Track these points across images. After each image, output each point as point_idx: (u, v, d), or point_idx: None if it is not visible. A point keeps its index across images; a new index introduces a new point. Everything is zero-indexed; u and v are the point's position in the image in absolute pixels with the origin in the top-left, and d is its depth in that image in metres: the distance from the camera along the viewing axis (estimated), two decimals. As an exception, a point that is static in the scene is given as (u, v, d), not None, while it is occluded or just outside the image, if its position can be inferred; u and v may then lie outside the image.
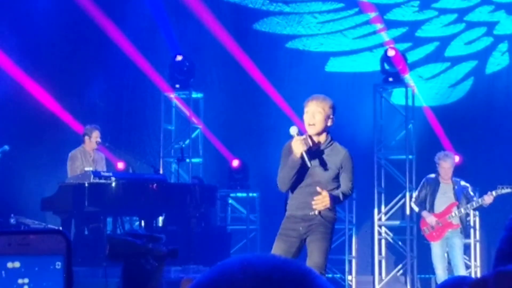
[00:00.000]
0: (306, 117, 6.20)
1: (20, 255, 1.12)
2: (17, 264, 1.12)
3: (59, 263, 1.12)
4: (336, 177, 6.25)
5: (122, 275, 5.24)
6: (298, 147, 6.04)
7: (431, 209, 9.64)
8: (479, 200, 9.56)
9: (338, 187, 6.27)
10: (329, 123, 6.22)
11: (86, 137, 10.81)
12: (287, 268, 1.07)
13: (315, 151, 6.19)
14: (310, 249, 6.22)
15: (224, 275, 1.06)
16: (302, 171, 6.18)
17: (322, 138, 6.24)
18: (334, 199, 6.15)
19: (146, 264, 5.42)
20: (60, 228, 10.67)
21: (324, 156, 6.21)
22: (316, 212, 6.19)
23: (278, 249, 6.22)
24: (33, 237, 1.13)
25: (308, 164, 6.06)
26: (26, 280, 1.12)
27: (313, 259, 6.16)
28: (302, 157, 6.06)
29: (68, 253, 1.12)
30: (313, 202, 6.12)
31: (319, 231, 6.19)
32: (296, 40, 13.88)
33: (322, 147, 6.22)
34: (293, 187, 6.26)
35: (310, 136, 6.21)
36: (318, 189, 6.09)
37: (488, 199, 9.47)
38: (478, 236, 12.10)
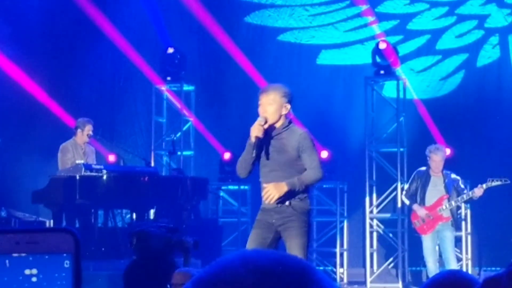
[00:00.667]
0: (260, 110, 6.16)
1: (28, 254, 1.12)
2: (23, 254, 1.11)
3: (68, 262, 1.12)
4: (297, 160, 6.12)
5: (147, 268, 5.19)
6: (254, 131, 6.02)
7: (422, 202, 9.66)
8: (470, 193, 9.59)
9: (301, 169, 6.13)
10: (283, 112, 6.13)
11: (79, 130, 10.79)
12: (288, 262, 1.08)
13: (271, 137, 6.12)
14: (288, 246, 6.13)
15: (225, 269, 1.07)
16: (263, 164, 6.15)
17: (278, 124, 6.15)
18: (292, 185, 6.02)
19: (173, 256, 5.39)
20: (52, 221, 10.66)
21: (280, 140, 6.12)
22: (287, 203, 6.08)
23: (254, 237, 6.14)
24: (41, 235, 1.13)
25: (254, 153, 6.01)
26: (34, 271, 1.12)
27: None
28: (254, 143, 6.01)
29: (76, 252, 1.12)
30: (288, 204, 6.06)
31: (295, 227, 6.08)
32: (287, 33, 13.87)
33: (278, 132, 6.13)
34: (262, 178, 6.21)
35: (268, 126, 6.12)
36: (264, 185, 6.06)
37: (478, 192, 9.50)
38: (469, 229, 12.14)
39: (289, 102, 6.18)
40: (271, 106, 6.10)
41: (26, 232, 1.13)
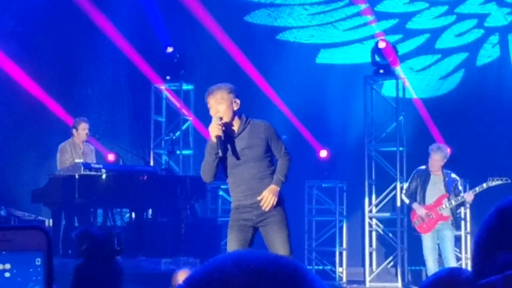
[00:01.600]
0: (211, 112, 6.16)
1: (1, 250, 1.12)
2: None
3: (39, 259, 1.12)
4: (267, 151, 6.15)
5: (96, 271, 5.20)
6: (213, 130, 6.02)
7: (422, 201, 9.65)
8: (459, 197, 9.53)
9: (271, 159, 6.18)
10: (235, 108, 6.15)
11: (74, 130, 10.80)
12: (280, 262, 1.08)
13: (235, 139, 6.13)
14: (271, 242, 6.11)
15: (217, 269, 1.07)
16: (234, 164, 6.16)
17: (236, 122, 6.17)
18: (280, 183, 6.11)
19: (116, 263, 5.46)
20: (51, 220, 10.65)
21: (247, 136, 6.13)
22: None
23: (235, 240, 6.11)
24: (13, 233, 1.13)
25: (220, 152, 5.99)
26: (8, 266, 1.12)
27: (280, 253, 6.09)
28: (219, 142, 6.00)
29: (48, 249, 1.12)
30: (261, 204, 6.05)
31: (276, 221, 6.10)
32: (287, 32, 13.87)
33: (240, 130, 6.14)
34: (232, 178, 6.21)
35: (225, 124, 6.10)
36: (258, 198, 6.05)
37: (468, 197, 9.47)
38: (468, 228, 12.13)
39: (237, 97, 6.21)
40: (222, 104, 6.12)
41: None
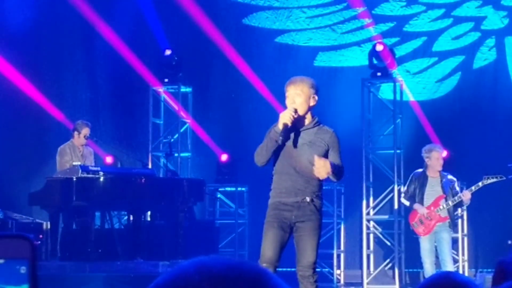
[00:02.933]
0: (287, 101, 6.11)
1: None
2: None
3: (24, 268, 1.13)
4: (325, 156, 6.07)
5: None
6: (284, 117, 5.94)
7: (420, 203, 9.66)
8: (456, 198, 9.55)
9: None
10: (311, 103, 6.12)
11: (76, 133, 10.80)
12: (242, 268, 1.08)
13: (301, 131, 6.08)
14: (302, 246, 6.03)
15: (180, 276, 1.08)
16: (289, 155, 6.04)
17: (308, 117, 6.14)
18: (334, 167, 5.98)
19: None
20: (49, 223, 10.66)
21: (311, 136, 6.09)
22: (308, 199, 6.02)
23: (271, 238, 5.98)
24: None
25: (279, 140, 5.91)
26: None
27: (307, 258, 6.02)
28: (283, 130, 5.93)
29: (33, 258, 1.13)
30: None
31: (312, 226, 6.03)
32: (285, 35, 13.89)
33: (308, 126, 6.11)
34: (279, 171, 6.09)
35: (298, 117, 6.06)
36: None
37: (466, 195, 9.48)
38: (465, 230, 12.15)
39: (317, 93, 6.18)
40: (300, 97, 6.08)
41: None
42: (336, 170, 6.03)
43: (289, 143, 6.04)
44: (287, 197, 6.05)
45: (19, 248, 1.12)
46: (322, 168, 5.90)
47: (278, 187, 6.12)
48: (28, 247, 1.13)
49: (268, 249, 6.01)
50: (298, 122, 6.08)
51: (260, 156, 6.09)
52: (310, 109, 6.15)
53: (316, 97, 6.17)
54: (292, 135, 6.05)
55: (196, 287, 1.06)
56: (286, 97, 6.17)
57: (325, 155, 6.08)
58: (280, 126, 5.96)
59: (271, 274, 1.09)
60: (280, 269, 6.08)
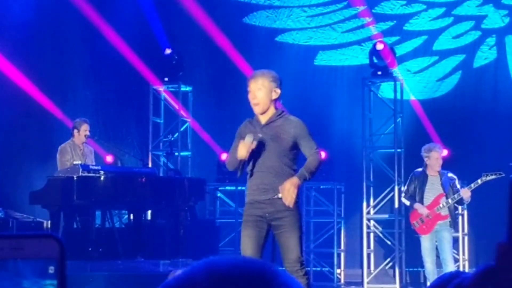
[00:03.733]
0: (249, 96, 6.09)
1: (12, 260, 1.13)
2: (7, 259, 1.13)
3: (53, 268, 1.13)
4: (293, 149, 6.01)
5: None
6: (241, 150, 5.91)
7: (421, 203, 9.66)
8: (456, 195, 9.55)
9: (295, 158, 6.05)
10: (273, 97, 6.02)
11: (75, 131, 10.80)
12: (252, 267, 1.08)
13: (264, 126, 6.03)
14: (283, 243, 5.95)
15: (189, 277, 1.08)
16: (257, 152, 6.00)
17: (271, 112, 6.05)
18: (303, 178, 5.93)
19: None
20: (50, 222, 10.66)
21: (275, 129, 6.00)
22: (280, 195, 5.92)
23: (248, 237, 5.99)
24: (26, 241, 1.14)
25: (239, 173, 6.08)
26: (21, 275, 1.14)
27: (290, 254, 5.95)
28: (240, 162, 6.00)
29: (61, 258, 1.13)
30: (281, 197, 5.87)
31: (290, 222, 5.92)
32: (285, 33, 13.89)
33: (271, 119, 6.03)
34: (251, 169, 6.06)
35: (257, 121, 6.05)
36: (280, 195, 5.89)
37: (465, 193, 9.47)
38: (466, 230, 12.15)
39: (279, 87, 6.08)
40: (261, 91, 6.02)
41: (11, 238, 1.14)
42: (307, 178, 5.98)
43: (256, 140, 6.00)
44: (259, 194, 6.03)
45: (48, 247, 1.13)
46: (286, 195, 5.86)
47: (251, 185, 6.12)
48: (57, 247, 1.13)
49: (247, 248, 5.98)
50: (262, 118, 6.05)
51: (230, 165, 6.19)
52: (273, 102, 6.05)
53: (279, 90, 6.06)
54: (258, 132, 6.02)
55: (202, 287, 1.06)
56: (248, 92, 6.12)
57: (293, 147, 6.00)
58: (238, 158, 5.97)
59: (281, 272, 1.09)
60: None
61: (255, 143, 5.93)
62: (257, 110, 6.07)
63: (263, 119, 6.07)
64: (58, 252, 1.13)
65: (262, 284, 1.06)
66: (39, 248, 1.13)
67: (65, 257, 1.12)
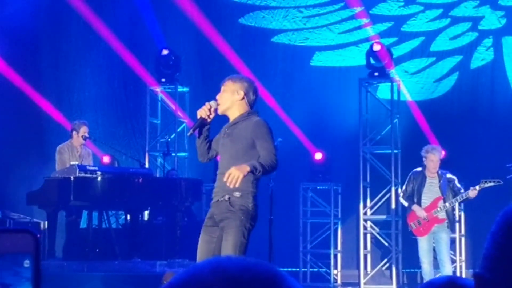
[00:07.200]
0: (217, 96, 6.10)
1: None
2: None
3: (28, 261, 1.15)
4: (249, 150, 5.81)
5: None
6: (200, 110, 5.92)
7: (418, 204, 9.67)
8: (464, 194, 9.60)
9: (257, 158, 5.80)
10: (237, 99, 5.95)
11: (74, 132, 10.79)
12: (257, 269, 1.08)
13: (227, 129, 5.99)
14: (222, 247, 5.73)
15: (194, 277, 1.07)
16: (220, 154, 5.97)
17: (236, 113, 5.98)
18: (252, 167, 5.59)
19: None
20: (47, 222, 10.66)
21: (236, 130, 5.92)
22: (226, 197, 5.76)
23: (201, 241, 5.84)
24: (2, 236, 1.15)
25: (190, 131, 6.00)
26: None
27: None
28: (196, 121, 5.92)
29: (36, 252, 1.15)
30: (227, 198, 5.73)
31: (229, 226, 5.69)
32: (281, 34, 13.89)
33: (235, 121, 5.97)
34: (218, 170, 5.96)
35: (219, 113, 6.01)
36: (227, 196, 5.73)
37: (472, 193, 9.52)
38: (463, 231, 12.16)
39: (244, 90, 5.98)
40: (225, 92, 6.02)
41: None
42: (255, 170, 5.64)
43: (219, 144, 5.99)
44: (214, 196, 5.96)
45: (23, 242, 1.14)
46: (229, 178, 5.57)
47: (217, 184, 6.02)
48: (32, 241, 1.14)
49: (201, 254, 5.83)
50: (226, 121, 6.04)
51: (199, 156, 6.18)
52: (237, 104, 5.98)
53: (242, 93, 5.96)
54: (223, 134, 6.00)
55: None
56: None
57: (252, 147, 5.83)
58: (198, 117, 5.96)
59: (286, 274, 1.09)
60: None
61: (214, 105, 5.93)
62: (218, 110, 6.02)
63: (230, 121, 6.05)
64: (33, 246, 1.15)
65: (273, 287, 1.06)
66: (15, 243, 1.15)
67: (40, 251, 1.14)
